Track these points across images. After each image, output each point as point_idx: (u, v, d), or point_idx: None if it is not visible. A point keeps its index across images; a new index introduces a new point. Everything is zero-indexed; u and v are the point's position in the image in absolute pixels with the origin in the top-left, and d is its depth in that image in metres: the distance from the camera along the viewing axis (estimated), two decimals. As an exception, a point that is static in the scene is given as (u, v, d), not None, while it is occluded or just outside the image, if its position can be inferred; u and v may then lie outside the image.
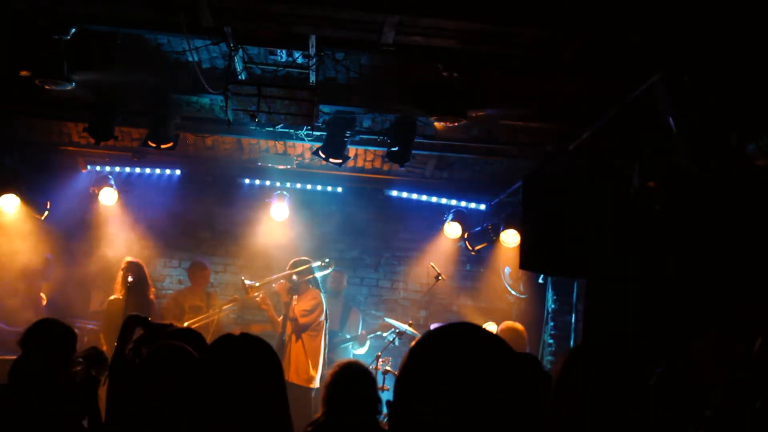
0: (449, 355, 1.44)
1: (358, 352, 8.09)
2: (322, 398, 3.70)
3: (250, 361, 2.30)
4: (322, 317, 7.16)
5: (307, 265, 7.21)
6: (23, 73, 5.49)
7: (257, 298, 7.30)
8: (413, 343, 1.53)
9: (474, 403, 1.37)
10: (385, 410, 3.62)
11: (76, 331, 4.07)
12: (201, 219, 8.82)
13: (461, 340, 1.47)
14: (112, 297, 7.52)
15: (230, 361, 2.29)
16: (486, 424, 1.37)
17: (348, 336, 8.09)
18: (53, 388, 3.56)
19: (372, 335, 8.05)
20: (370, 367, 6.88)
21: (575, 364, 2.02)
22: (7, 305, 7.35)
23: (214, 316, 7.45)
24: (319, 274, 7.34)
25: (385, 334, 7.72)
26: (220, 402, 2.19)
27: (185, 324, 7.27)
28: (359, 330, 8.30)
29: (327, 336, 7.27)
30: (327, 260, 7.56)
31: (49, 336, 3.74)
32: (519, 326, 7.31)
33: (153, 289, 7.87)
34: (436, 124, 6.25)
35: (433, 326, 7.54)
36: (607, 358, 1.98)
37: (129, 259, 7.65)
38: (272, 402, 2.27)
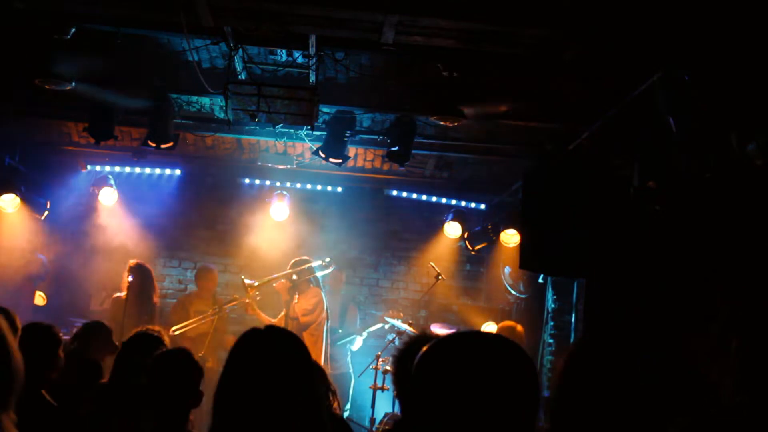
0: (466, 360, 1.45)
1: (354, 348, 8.08)
2: None
3: (279, 353, 2.25)
4: (323, 315, 7.18)
5: (307, 264, 7.22)
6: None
7: (247, 301, 7.26)
8: (425, 348, 1.53)
9: (487, 409, 1.38)
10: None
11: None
12: (201, 219, 8.82)
13: (476, 347, 1.48)
14: (115, 295, 7.51)
15: (260, 354, 2.25)
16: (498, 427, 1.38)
17: (343, 331, 8.07)
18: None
19: (370, 330, 7.98)
20: (370, 367, 6.94)
21: (580, 360, 2.01)
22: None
23: (214, 316, 7.43)
24: (320, 274, 7.35)
25: (386, 327, 7.68)
26: (252, 396, 2.16)
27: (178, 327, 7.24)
28: (357, 325, 8.30)
29: (328, 333, 7.28)
30: (327, 259, 7.56)
31: None
32: (517, 326, 7.33)
33: (158, 292, 7.85)
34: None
35: (433, 327, 7.55)
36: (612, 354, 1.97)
37: (133, 261, 7.63)
38: (305, 392, 2.23)
